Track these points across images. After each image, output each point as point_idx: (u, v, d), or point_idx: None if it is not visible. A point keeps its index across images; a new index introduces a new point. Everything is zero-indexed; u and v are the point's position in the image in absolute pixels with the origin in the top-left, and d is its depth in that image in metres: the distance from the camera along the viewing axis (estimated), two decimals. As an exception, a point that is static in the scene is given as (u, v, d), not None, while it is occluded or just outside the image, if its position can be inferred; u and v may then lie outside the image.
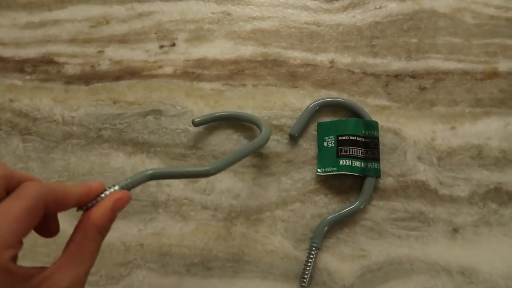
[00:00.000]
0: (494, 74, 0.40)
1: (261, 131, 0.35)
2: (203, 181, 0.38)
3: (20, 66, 0.43)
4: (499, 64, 0.40)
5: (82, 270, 0.23)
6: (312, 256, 0.34)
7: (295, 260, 0.35)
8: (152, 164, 0.38)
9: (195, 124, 0.38)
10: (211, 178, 0.38)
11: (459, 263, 0.35)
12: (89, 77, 0.42)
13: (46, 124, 0.41)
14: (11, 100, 0.41)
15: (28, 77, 0.42)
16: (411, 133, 0.39)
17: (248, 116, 0.38)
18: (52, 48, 0.43)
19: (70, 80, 0.42)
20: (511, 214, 0.36)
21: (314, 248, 0.34)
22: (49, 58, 0.43)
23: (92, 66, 0.42)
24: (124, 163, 0.39)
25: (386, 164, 0.38)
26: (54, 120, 0.41)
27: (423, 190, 0.37)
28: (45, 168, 0.39)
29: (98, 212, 0.24)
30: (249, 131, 0.39)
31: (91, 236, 0.23)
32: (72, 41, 0.44)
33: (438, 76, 0.40)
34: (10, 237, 0.20)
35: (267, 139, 0.35)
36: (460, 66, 0.41)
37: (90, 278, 0.35)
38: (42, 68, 0.43)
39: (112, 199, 0.24)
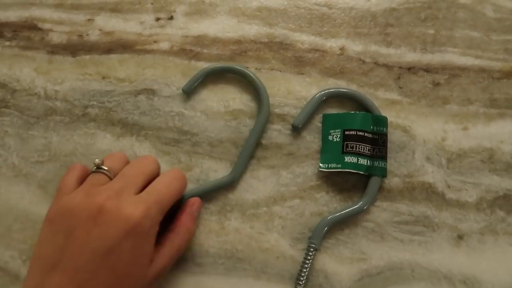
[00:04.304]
0: (512, 74, 0.38)
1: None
2: (196, 170, 0.35)
3: (-1, 30, 0.39)
4: (518, 63, 0.38)
5: (172, 261, 0.29)
6: (309, 257, 0.32)
7: (291, 260, 0.33)
8: (142, 148, 0.35)
9: (185, 91, 0.36)
10: (205, 167, 0.35)
11: (462, 272, 0.33)
12: (76, 48, 0.38)
13: (26, 97, 0.37)
14: (-13, 68, 0.38)
15: (7, 43, 0.38)
16: (421, 131, 0.36)
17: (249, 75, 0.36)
18: (36, 13, 0.39)
19: (55, 49, 0.38)
20: (519, 223, 0.34)
21: (312, 249, 0.32)
22: (32, 23, 0.39)
23: (80, 35, 0.39)
24: (112, 146, 0.35)
25: (393, 163, 0.35)
26: (36, 93, 0.37)
27: (430, 193, 0.35)
28: (24, 145, 0.36)
29: (187, 215, 0.31)
30: (250, 118, 0.36)
31: (181, 234, 0.30)
32: (59, 6, 0.39)
33: (454, 72, 0.38)
34: None
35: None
36: (477, 62, 0.38)
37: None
38: (24, 34, 0.39)
39: (191, 204, 0.32)
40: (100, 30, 0.39)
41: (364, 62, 0.38)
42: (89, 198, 0.26)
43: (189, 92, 0.36)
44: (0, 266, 0.33)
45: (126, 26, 0.39)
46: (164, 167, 0.35)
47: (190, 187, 0.34)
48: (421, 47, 0.39)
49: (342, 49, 0.38)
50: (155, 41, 0.38)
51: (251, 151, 0.35)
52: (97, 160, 0.29)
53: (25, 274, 0.33)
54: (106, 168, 0.29)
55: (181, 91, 0.36)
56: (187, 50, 0.38)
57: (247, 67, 0.37)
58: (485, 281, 0.33)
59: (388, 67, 0.38)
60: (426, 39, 0.39)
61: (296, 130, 0.36)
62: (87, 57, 0.38)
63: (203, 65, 0.37)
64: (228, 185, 0.34)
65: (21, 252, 0.33)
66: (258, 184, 0.35)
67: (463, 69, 0.38)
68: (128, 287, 0.25)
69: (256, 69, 0.38)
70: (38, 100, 0.37)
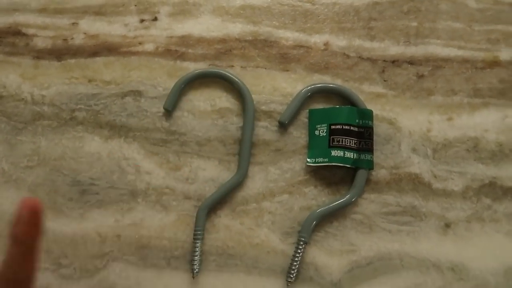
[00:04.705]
0: (495, 63, 0.38)
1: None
2: (185, 169, 0.35)
3: (-17, 37, 0.39)
4: (500, 52, 0.38)
5: None
6: (299, 251, 0.33)
7: (282, 254, 0.34)
8: (131, 149, 0.36)
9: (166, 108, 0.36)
10: (194, 166, 0.35)
11: (450, 259, 0.34)
12: (61, 52, 0.38)
13: (13, 103, 0.37)
14: (-27, 75, 0.38)
15: (-8, 49, 0.38)
16: (406, 123, 0.37)
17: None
18: (20, 18, 0.39)
19: (40, 54, 0.38)
20: (505, 210, 0.35)
21: (302, 243, 0.33)
22: (16, 29, 0.39)
23: (64, 39, 0.39)
24: (100, 148, 0.36)
25: (379, 155, 0.36)
26: (23, 99, 0.37)
27: (417, 184, 0.35)
28: (13, 151, 0.36)
29: None
30: (237, 116, 0.36)
31: None
32: (43, 10, 0.39)
33: (437, 64, 0.38)
34: None
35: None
36: (460, 53, 0.39)
37: (63, 271, 0.33)
38: (9, 40, 0.39)
39: None
40: (85, 33, 0.39)
41: (348, 56, 0.38)
42: None
43: (171, 110, 0.36)
44: (-7, 271, 0.33)
45: (111, 28, 0.39)
46: (153, 167, 0.35)
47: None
48: (405, 40, 0.39)
49: (326, 44, 0.39)
50: (140, 43, 0.38)
51: (249, 147, 0.35)
52: None
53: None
54: None
55: (167, 91, 0.37)
56: (172, 50, 0.38)
57: (232, 65, 0.38)
58: (472, 267, 0.33)
59: (372, 61, 0.38)
60: (409, 32, 0.39)
61: (283, 126, 0.36)
62: (73, 61, 0.38)
63: (189, 65, 0.38)
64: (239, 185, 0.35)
65: None
66: (247, 180, 0.35)
67: (447, 60, 0.39)
68: None
69: (242, 67, 0.38)
70: (25, 105, 0.37)
